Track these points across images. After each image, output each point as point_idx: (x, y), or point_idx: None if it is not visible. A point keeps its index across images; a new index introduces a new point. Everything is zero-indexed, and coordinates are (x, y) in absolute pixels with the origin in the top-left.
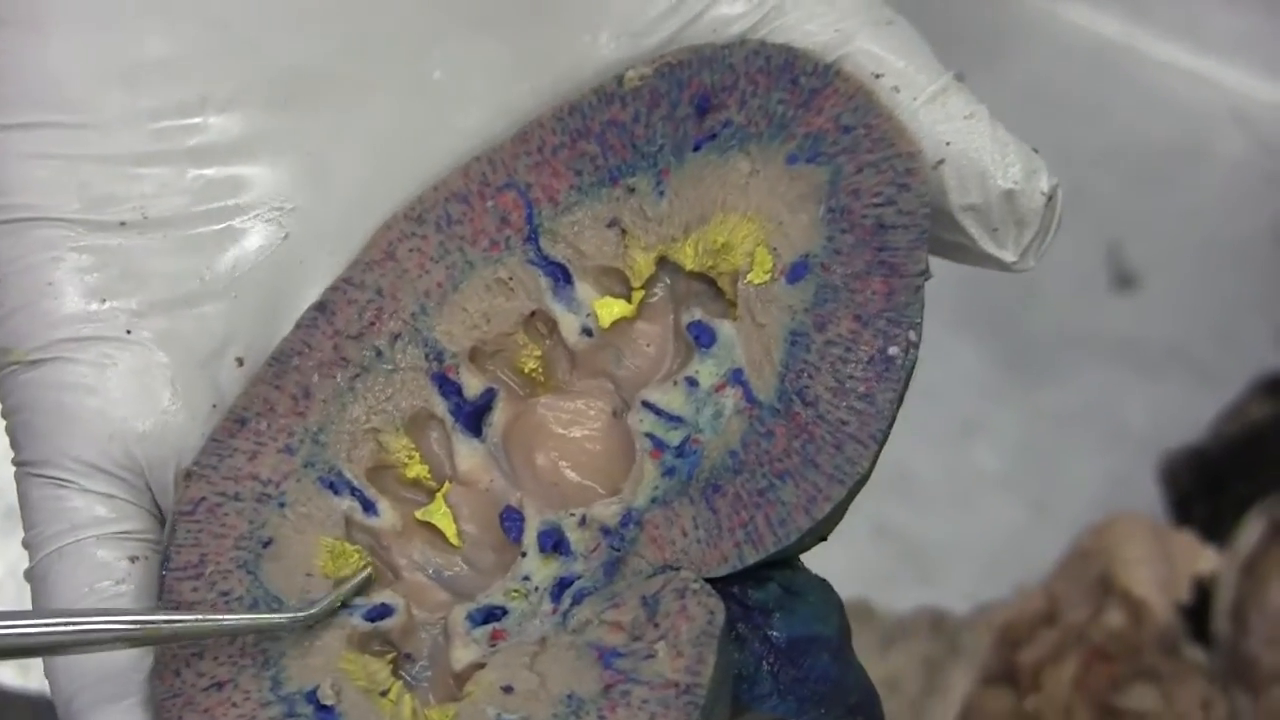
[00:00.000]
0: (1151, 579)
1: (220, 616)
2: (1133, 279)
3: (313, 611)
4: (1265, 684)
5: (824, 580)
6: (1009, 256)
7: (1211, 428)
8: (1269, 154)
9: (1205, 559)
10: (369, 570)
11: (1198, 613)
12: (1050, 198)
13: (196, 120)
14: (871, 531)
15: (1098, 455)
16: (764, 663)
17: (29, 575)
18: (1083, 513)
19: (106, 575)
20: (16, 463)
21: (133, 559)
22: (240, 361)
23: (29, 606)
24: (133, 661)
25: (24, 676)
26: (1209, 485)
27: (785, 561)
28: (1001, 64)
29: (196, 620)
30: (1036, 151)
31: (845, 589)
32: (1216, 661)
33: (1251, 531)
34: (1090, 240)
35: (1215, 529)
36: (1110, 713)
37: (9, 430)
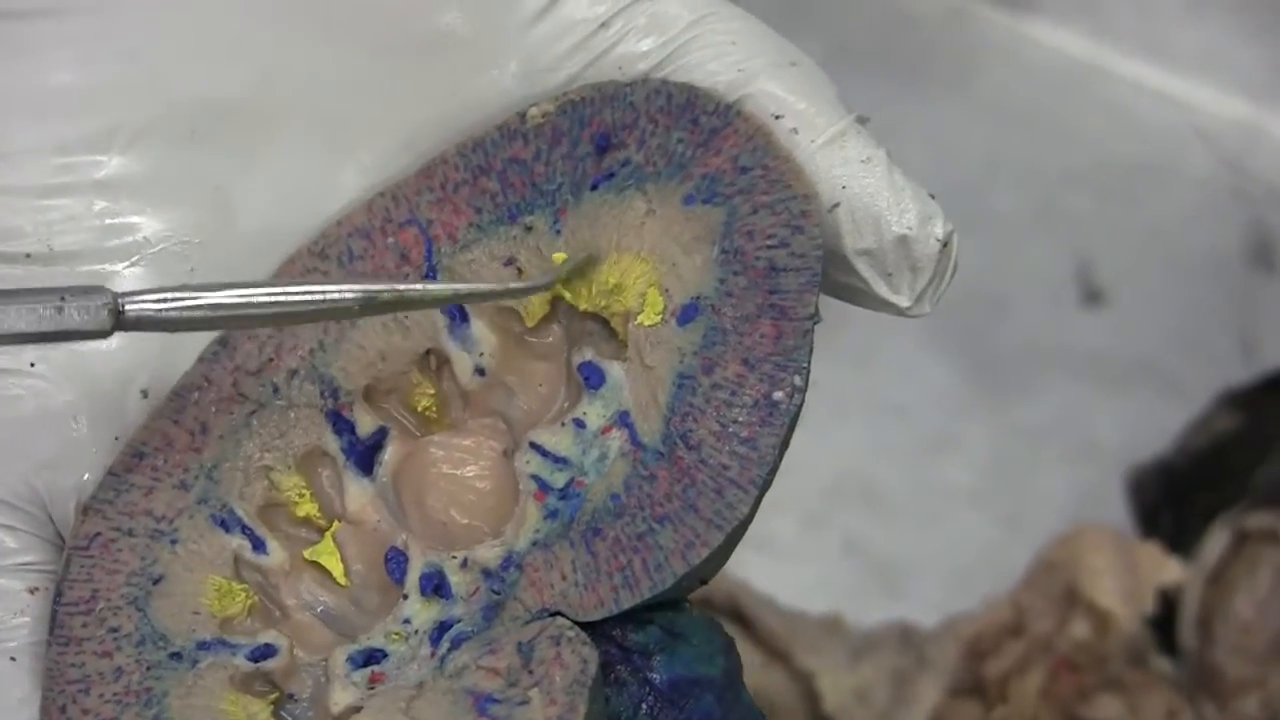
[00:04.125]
0: (1116, 590)
1: (447, 286)
2: (1101, 294)
3: (539, 282)
4: (1231, 694)
5: (711, 620)
6: (903, 302)
7: (1178, 441)
8: (1233, 170)
9: (1170, 570)
10: (587, 254)
11: (1164, 623)
12: (945, 244)
13: (104, 153)
14: (841, 546)
15: (1066, 469)
16: (644, 705)
17: None
18: (1052, 526)
19: (6, 606)
20: None
21: (32, 590)
22: (145, 394)
23: None
24: (23, 694)
25: None
26: (1175, 497)
27: (670, 602)
28: (970, 84)
29: (421, 288)
30: (933, 197)
31: (816, 603)
32: (1182, 672)
33: (1216, 542)
34: (1059, 256)
35: (1181, 540)
36: None
37: None
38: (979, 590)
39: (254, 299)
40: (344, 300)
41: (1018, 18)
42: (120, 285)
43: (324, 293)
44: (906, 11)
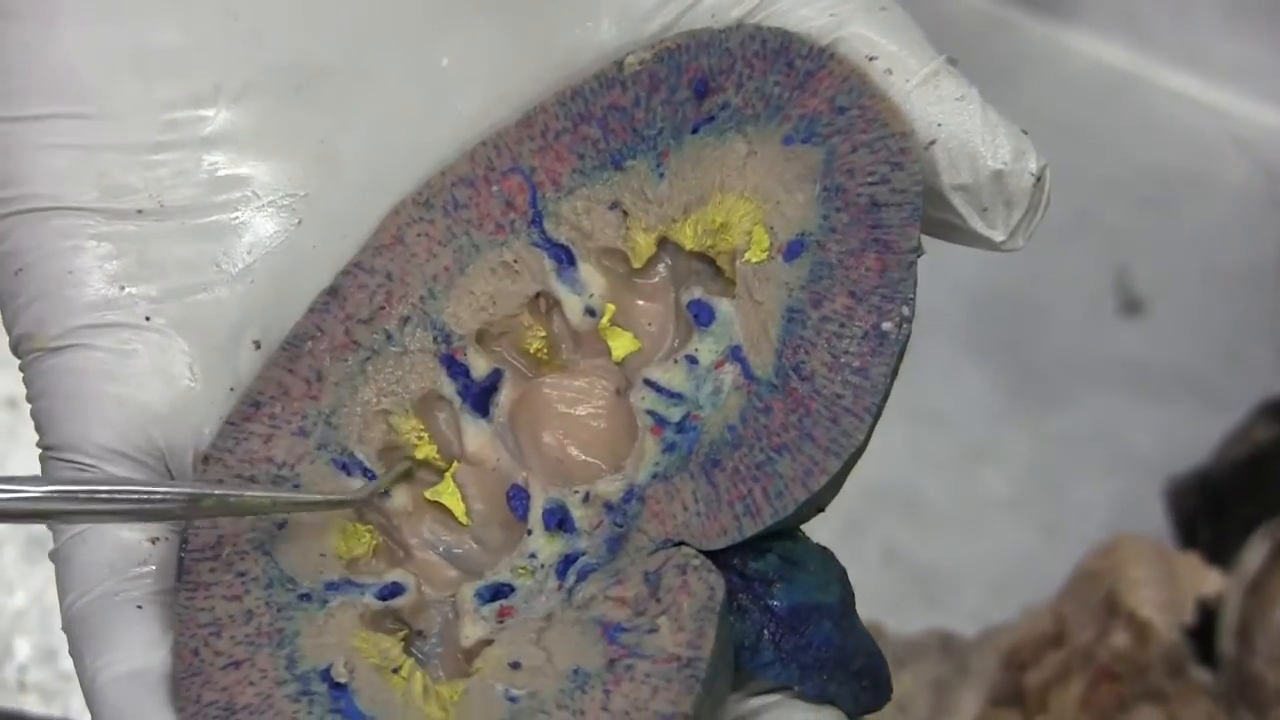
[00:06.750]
0: (1156, 600)
1: (269, 494)
2: (1140, 304)
3: (359, 495)
4: (1270, 704)
5: (825, 549)
6: (998, 236)
7: (1217, 451)
8: (1272, 180)
9: (1210, 580)
10: (408, 464)
11: (1203, 634)
12: (1039, 178)
13: (209, 109)
14: (882, 555)
15: (1105, 479)
16: (765, 631)
17: (54, 556)
18: (1090, 536)
19: (129, 556)
20: (41, 447)
21: (154, 540)
22: (257, 345)
23: (55, 636)
24: (152, 639)
25: (48, 704)
26: (1214, 507)
27: (786, 532)
28: (1009, 92)
29: (246, 495)
30: (1026, 133)
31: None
32: (1222, 682)
33: (1256, 553)
34: (1098, 266)
35: (1220, 551)
36: None
37: (33, 415)
38: (1018, 600)
39: (75, 495)
40: (166, 503)
41: (1057, 27)
42: (234, 239)
43: (147, 494)
44: (946, 20)
